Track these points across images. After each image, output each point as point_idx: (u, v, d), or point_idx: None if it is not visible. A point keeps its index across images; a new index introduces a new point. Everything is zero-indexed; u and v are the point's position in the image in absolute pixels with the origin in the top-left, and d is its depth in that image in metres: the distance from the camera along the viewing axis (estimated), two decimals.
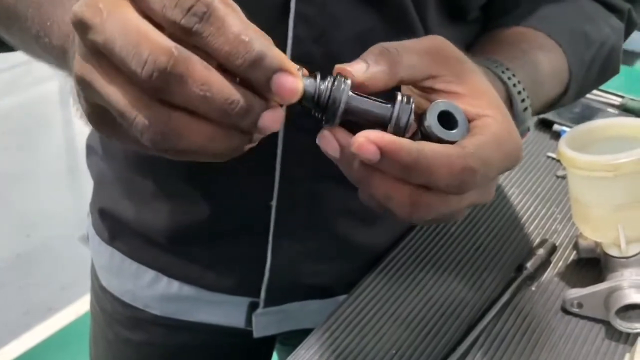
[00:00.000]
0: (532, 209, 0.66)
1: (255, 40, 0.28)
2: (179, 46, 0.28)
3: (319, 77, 0.33)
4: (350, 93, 0.32)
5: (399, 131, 0.32)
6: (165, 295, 0.63)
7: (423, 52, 0.36)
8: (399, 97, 0.33)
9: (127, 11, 0.29)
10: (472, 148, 0.32)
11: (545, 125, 0.80)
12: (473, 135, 0.34)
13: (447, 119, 0.33)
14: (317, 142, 0.34)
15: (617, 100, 0.82)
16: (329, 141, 0.33)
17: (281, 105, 0.31)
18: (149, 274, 0.63)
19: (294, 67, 0.30)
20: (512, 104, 0.45)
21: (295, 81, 0.30)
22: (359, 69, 0.34)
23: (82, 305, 1.84)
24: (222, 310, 0.63)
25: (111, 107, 0.29)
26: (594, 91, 0.83)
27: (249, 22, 0.29)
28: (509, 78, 0.45)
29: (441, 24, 0.49)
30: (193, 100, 0.28)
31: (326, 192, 0.53)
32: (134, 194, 0.60)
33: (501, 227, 0.64)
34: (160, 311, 0.65)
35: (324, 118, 0.33)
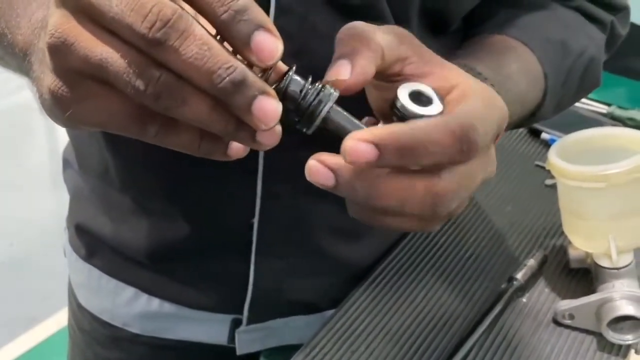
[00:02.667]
0: (521, 218, 0.66)
1: None
2: (180, 8, 0.27)
3: (310, 79, 0.32)
4: (334, 106, 0.31)
5: None
6: (145, 313, 0.61)
7: (391, 33, 0.35)
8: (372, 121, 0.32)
9: None
10: (463, 111, 0.32)
11: (534, 134, 0.80)
12: (457, 103, 0.33)
13: (418, 99, 0.32)
14: (307, 177, 0.32)
15: (604, 109, 0.82)
16: (319, 171, 0.32)
17: None
18: (128, 291, 0.61)
19: (275, 30, 0.29)
20: None
21: (276, 42, 0.28)
22: (345, 73, 0.32)
23: (65, 315, 1.82)
24: (204, 328, 0.61)
25: (109, 66, 0.27)
26: (582, 100, 0.83)
27: None
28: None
29: (422, 37, 0.48)
30: (190, 60, 0.26)
31: (309, 209, 0.52)
32: (111, 209, 0.59)
33: (490, 238, 0.63)
34: (140, 329, 0.63)
35: (299, 122, 0.32)
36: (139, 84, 0.27)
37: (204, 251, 0.56)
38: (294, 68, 0.31)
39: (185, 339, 0.63)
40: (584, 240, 0.53)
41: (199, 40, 0.26)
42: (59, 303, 1.83)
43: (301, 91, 0.31)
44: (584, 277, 0.57)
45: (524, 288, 0.56)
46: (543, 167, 0.73)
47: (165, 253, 0.57)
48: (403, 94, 0.32)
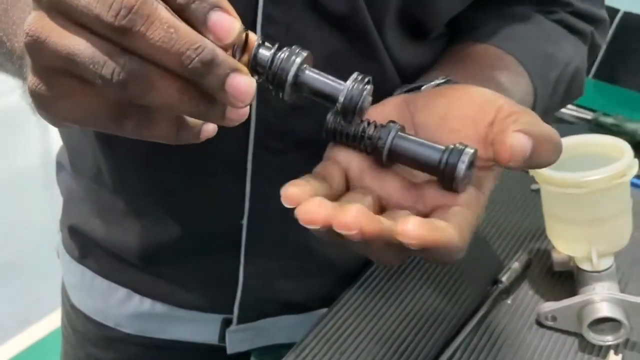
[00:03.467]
0: (507, 222, 0.67)
1: None
2: None
3: (276, 46, 0.32)
4: (302, 67, 0.32)
5: (348, 112, 0.32)
6: (137, 314, 0.63)
7: None
8: (354, 75, 0.32)
9: None
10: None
11: None
12: None
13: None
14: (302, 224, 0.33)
15: (589, 115, 0.84)
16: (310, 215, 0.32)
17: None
18: (120, 292, 0.62)
19: (232, 10, 0.29)
20: None
21: (231, 20, 0.28)
22: None
23: (56, 317, 1.82)
24: (195, 328, 0.62)
25: (77, 57, 0.28)
26: (568, 106, 0.85)
27: None
28: None
29: (402, 43, 0.49)
30: (158, 44, 0.27)
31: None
32: (104, 212, 0.60)
33: (477, 241, 0.64)
34: (132, 329, 0.64)
35: (273, 90, 0.32)
36: (106, 72, 0.27)
37: (194, 252, 0.57)
38: (260, 39, 0.32)
39: (176, 338, 0.64)
40: (566, 244, 0.55)
41: (165, 24, 0.27)
42: (52, 305, 1.83)
43: (269, 60, 0.31)
44: (567, 279, 0.58)
45: (508, 290, 0.57)
46: (528, 172, 0.75)
47: (156, 254, 0.58)
48: (465, 166, 0.34)
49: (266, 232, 0.54)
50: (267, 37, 0.45)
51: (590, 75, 1.01)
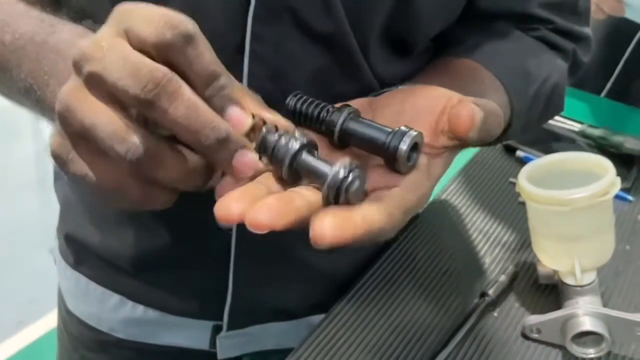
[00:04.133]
0: (495, 234, 0.69)
1: (224, 72, 0.32)
2: (172, 72, 0.30)
3: (280, 132, 0.35)
4: (299, 153, 0.34)
5: (330, 195, 0.33)
6: (129, 319, 0.64)
7: None
8: (342, 162, 0.33)
9: (126, 46, 0.31)
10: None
11: (509, 151, 0.83)
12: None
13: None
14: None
15: (576, 127, 0.86)
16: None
17: None
18: (114, 298, 0.63)
19: (247, 107, 0.33)
20: None
21: (244, 114, 0.33)
22: None
23: (51, 319, 1.82)
24: (186, 333, 0.64)
25: (96, 131, 0.30)
26: (556, 117, 0.86)
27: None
28: None
29: (386, 60, 0.51)
30: (179, 120, 0.30)
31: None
32: (98, 219, 0.61)
33: (465, 253, 0.66)
34: (125, 334, 0.65)
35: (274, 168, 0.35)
36: (120, 149, 0.30)
37: (185, 261, 0.58)
38: (268, 126, 0.35)
39: (168, 344, 0.65)
40: (550, 258, 0.56)
41: (187, 102, 0.30)
42: (45, 307, 1.84)
43: (273, 145, 0.34)
44: (551, 292, 0.60)
45: (495, 303, 0.59)
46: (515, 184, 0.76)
47: (149, 262, 0.59)
48: (406, 148, 0.36)
49: (255, 241, 0.55)
50: (255, 54, 0.46)
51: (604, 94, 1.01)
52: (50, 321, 1.83)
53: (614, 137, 0.81)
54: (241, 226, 0.54)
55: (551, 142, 0.84)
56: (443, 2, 0.51)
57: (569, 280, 0.55)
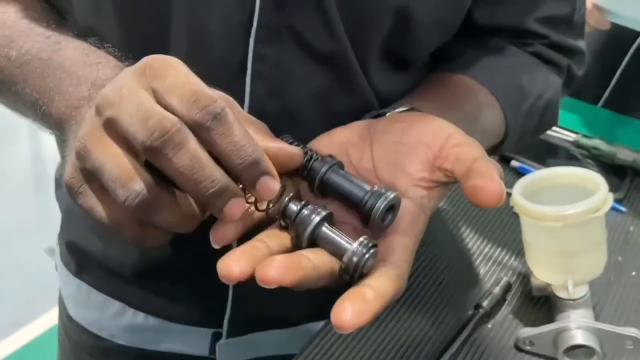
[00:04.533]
0: (489, 245, 0.70)
1: (254, 147, 0.33)
2: (181, 122, 0.31)
3: (302, 203, 0.37)
4: (319, 225, 0.37)
5: (348, 272, 0.36)
6: (131, 326, 0.65)
7: None
8: (361, 239, 0.36)
9: (144, 95, 0.32)
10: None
11: (504, 161, 0.84)
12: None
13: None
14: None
15: (571, 137, 0.87)
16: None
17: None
18: (115, 305, 0.64)
19: (276, 173, 0.35)
20: None
21: (276, 184, 0.35)
22: None
23: (47, 319, 1.83)
24: (187, 340, 0.65)
25: (104, 172, 0.32)
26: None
27: (248, 132, 0.34)
28: None
29: (385, 76, 0.52)
30: (181, 170, 0.31)
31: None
32: (100, 229, 0.62)
33: (460, 264, 0.67)
34: (126, 341, 0.66)
35: (295, 237, 0.37)
36: (122, 194, 0.32)
37: (186, 270, 0.59)
38: (291, 195, 0.37)
39: (168, 350, 0.66)
40: (543, 272, 0.57)
41: (192, 153, 0.31)
42: (42, 307, 1.84)
43: (295, 214, 0.37)
44: (545, 303, 0.61)
45: (489, 315, 0.59)
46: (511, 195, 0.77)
47: (150, 271, 0.60)
48: (381, 210, 0.37)
49: None
50: (257, 73, 0.47)
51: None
52: (45, 322, 1.83)
53: (608, 148, 0.82)
54: (242, 239, 0.55)
55: (546, 152, 0.84)
56: (441, 20, 0.52)
57: (561, 294, 0.56)
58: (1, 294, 1.86)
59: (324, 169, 0.39)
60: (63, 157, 0.38)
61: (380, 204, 0.37)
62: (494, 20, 0.57)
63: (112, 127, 0.33)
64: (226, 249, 0.56)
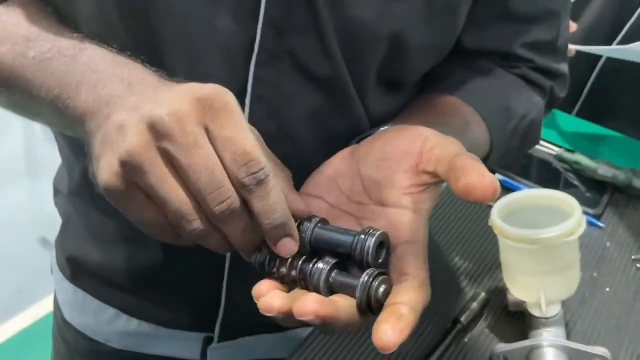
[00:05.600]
0: (469, 257, 0.72)
1: (283, 211, 0.38)
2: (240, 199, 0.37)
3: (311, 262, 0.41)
4: (329, 273, 0.40)
5: (363, 304, 0.39)
6: (124, 331, 0.67)
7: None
8: (369, 270, 0.39)
9: (209, 148, 0.36)
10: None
11: None
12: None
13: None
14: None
15: (554, 150, 0.89)
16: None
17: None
18: (110, 311, 0.67)
19: (297, 235, 0.40)
20: None
21: (295, 245, 0.40)
22: None
23: (38, 308, 1.85)
24: (179, 344, 0.67)
25: (168, 204, 0.36)
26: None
27: (283, 197, 0.38)
28: None
29: (378, 96, 0.55)
30: (232, 237, 0.39)
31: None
32: (96, 237, 0.64)
33: (439, 278, 0.69)
34: (120, 345, 0.69)
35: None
36: (186, 226, 0.37)
37: (180, 278, 0.61)
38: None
39: (161, 354, 0.68)
40: (518, 290, 0.60)
41: (244, 225, 0.38)
42: (33, 297, 1.86)
43: (309, 271, 0.40)
44: (520, 319, 0.63)
45: (466, 329, 0.62)
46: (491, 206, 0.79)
47: (144, 279, 0.63)
48: (371, 250, 0.40)
49: (247, 263, 0.59)
50: (256, 96, 0.49)
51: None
52: (37, 311, 1.85)
53: (588, 163, 0.84)
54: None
55: (528, 165, 0.87)
56: (433, 45, 0.54)
57: (535, 312, 0.58)
58: None
59: (310, 228, 0.41)
60: (90, 151, 0.40)
61: (370, 244, 0.39)
62: (481, 45, 0.60)
63: (170, 160, 0.36)
64: (221, 258, 0.58)
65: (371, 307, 0.39)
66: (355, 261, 0.40)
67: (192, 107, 0.35)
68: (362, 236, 0.40)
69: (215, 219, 0.37)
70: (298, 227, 0.41)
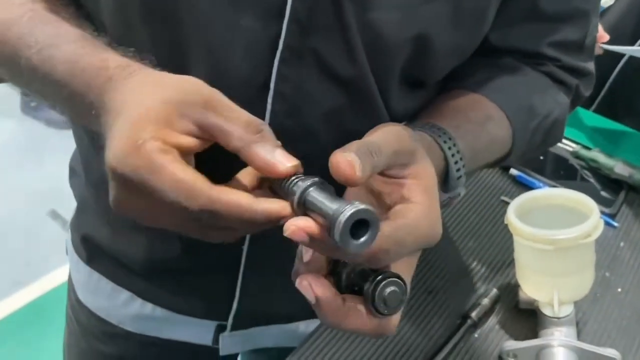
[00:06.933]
0: (482, 253, 0.72)
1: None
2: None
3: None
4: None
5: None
6: (138, 315, 0.68)
7: (392, 144, 0.41)
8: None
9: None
10: (388, 231, 0.38)
11: (503, 168, 0.85)
12: (394, 218, 0.39)
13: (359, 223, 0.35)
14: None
15: (572, 147, 0.88)
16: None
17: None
18: (124, 294, 0.67)
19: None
20: (447, 170, 0.50)
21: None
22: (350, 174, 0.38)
23: (47, 281, 1.86)
24: (192, 331, 0.68)
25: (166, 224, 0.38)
26: None
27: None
28: (449, 148, 0.50)
29: (400, 96, 0.54)
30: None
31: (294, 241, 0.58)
32: (112, 222, 0.64)
33: (451, 273, 0.69)
34: (134, 328, 0.69)
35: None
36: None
37: (195, 268, 0.61)
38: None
39: (174, 338, 0.69)
40: (531, 289, 0.60)
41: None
42: (42, 269, 1.88)
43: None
44: (530, 317, 0.63)
45: (476, 325, 0.62)
46: (508, 203, 0.79)
47: (160, 267, 0.63)
48: (345, 226, 0.34)
49: (264, 256, 0.59)
50: (279, 93, 0.49)
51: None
52: (46, 284, 1.87)
53: (605, 161, 0.83)
54: (253, 242, 0.58)
55: (544, 161, 0.86)
56: (459, 45, 0.53)
57: (547, 311, 0.58)
58: (4, 254, 1.89)
59: (304, 186, 0.37)
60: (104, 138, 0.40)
61: (348, 212, 0.34)
62: (508, 43, 0.59)
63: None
64: (238, 250, 0.59)
65: (379, 311, 0.39)
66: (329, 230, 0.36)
67: (128, 148, 0.36)
68: (341, 210, 0.35)
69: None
70: (291, 186, 0.38)
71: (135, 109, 0.37)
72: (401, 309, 0.41)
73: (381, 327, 0.40)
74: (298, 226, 0.36)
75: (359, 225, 0.35)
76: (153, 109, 0.37)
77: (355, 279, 0.40)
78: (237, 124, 0.38)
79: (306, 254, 0.42)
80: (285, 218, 0.37)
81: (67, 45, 0.44)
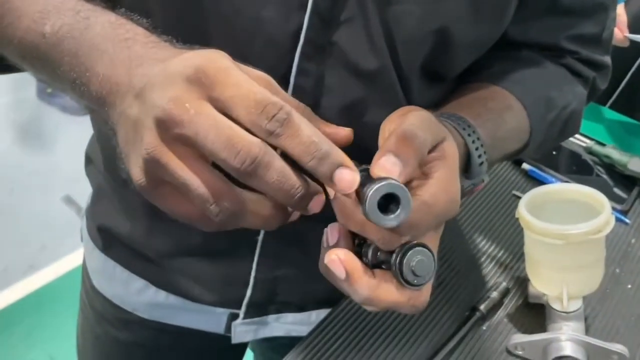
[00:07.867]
0: (492, 246, 0.72)
1: (323, 141, 0.35)
2: (263, 142, 0.34)
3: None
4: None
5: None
6: (153, 302, 0.69)
7: (427, 131, 0.42)
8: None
9: (212, 111, 0.35)
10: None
11: (515, 162, 0.85)
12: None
13: (389, 197, 0.36)
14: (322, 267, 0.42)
15: (585, 142, 0.88)
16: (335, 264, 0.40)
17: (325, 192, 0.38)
18: (139, 282, 0.68)
19: (351, 163, 0.36)
20: (469, 158, 0.51)
21: (353, 174, 0.36)
22: (395, 173, 0.38)
23: (61, 265, 1.89)
24: (205, 318, 0.69)
25: (190, 190, 0.35)
26: None
27: (316, 128, 0.36)
28: (469, 135, 0.50)
29: (421, 90, 0.54)
30: (270, 185, 0.35)
31: (308, 228, 0.59)
32: (129, 210, 0.65)
33: (460, 265, 0.69)
34: (148, 315, 0.70)
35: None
36: (212, 210, 0.35)
37: (210, 256, 0.62)
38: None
39: (187, 326, 0.70)
40: (540, 283, 0.60)
41: (279, 169, 0.35)
42: (56, 253, 1.90)
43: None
44: (539, 311, 0.63)
45: (485, 317, 0.63)
46: (519, 197, 0.79)
47: (175, 254, 0.64)
48: (372, 199, 0.35)
49: (278, 247, 0.60)
50: (299, 87, 0.49)
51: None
52: (60, 267, 1.89)
53: (619, 157, 0.83)
54: (268, 233, 0.59)
55: (557, 157, 0.86)
56: (480, 38, 0.53)
57: (555, 306, 0.58)
58: (18, 238, 1.91)
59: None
60: (117, 134, 0.39)
61: (376, 187, 0.35)
62: (526, 37, 0.59)
63: (187, 144, 0.35)
64: (253, 240, 0.59)
65: (408, 281, 0.39)
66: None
67: (188, 85, 0.35)
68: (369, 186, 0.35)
69: (244, 177, 0.34)
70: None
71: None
72: (431, 280, 0.40)
73: (413, 300, 0.40)
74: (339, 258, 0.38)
75: (390, 200, 0.36)
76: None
77: (382, 256, 0.40)
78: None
79: (332, 236, 0.42)
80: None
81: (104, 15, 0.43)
